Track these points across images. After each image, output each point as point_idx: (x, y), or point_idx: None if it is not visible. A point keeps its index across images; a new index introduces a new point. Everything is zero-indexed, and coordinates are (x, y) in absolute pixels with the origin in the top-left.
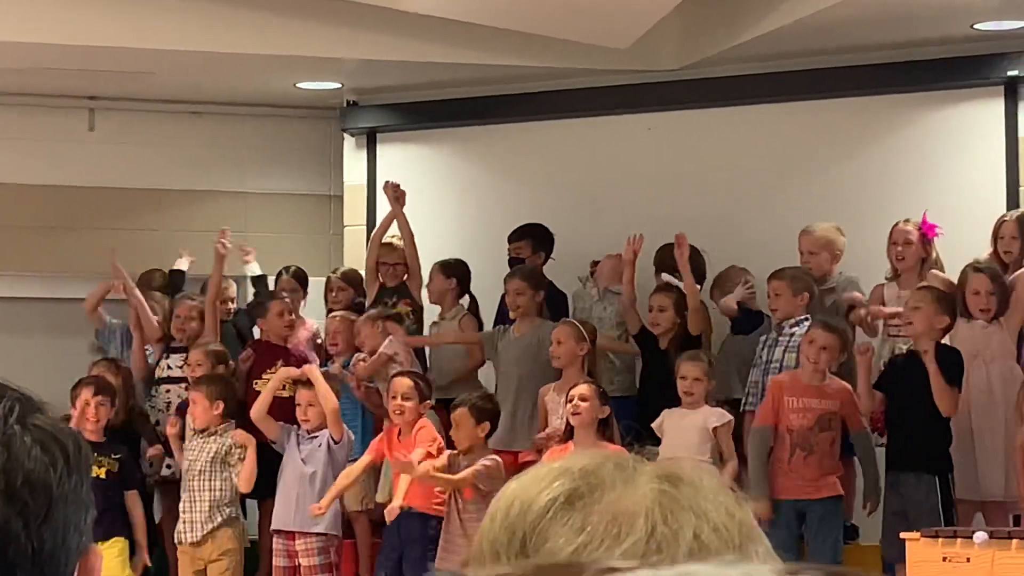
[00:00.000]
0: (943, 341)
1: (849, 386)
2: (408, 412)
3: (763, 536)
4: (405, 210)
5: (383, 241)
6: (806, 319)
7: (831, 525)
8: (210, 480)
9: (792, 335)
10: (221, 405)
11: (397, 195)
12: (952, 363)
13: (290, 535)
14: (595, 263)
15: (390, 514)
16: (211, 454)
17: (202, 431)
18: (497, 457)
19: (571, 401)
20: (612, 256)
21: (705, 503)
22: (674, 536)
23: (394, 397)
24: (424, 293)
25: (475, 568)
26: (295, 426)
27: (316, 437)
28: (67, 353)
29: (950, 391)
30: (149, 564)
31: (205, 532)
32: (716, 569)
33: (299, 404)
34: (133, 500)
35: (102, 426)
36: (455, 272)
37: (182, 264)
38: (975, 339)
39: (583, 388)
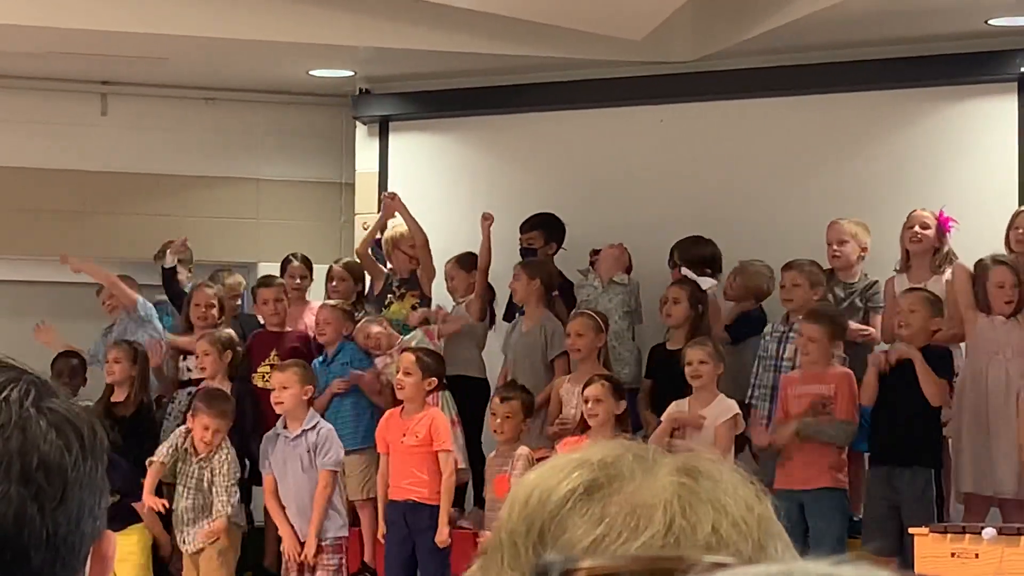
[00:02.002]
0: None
1: (851, 372)
2: (408, 388)
3: (782, 531)
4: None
5: (401, 231)
6: None
7: (830, 517)
8: (206, 499)
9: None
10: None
11: (387, 202)
12: (939, 358)
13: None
14: (595, 252)
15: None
16: (207, 481)
17: (204, 455)
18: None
19: (587, 403)
20: (614, 246)
21: (724, 497)
22: (692, 529)
23: (398, 372)
24: (431, 283)
25: (492, 557)
26: (277, 429)
27: (300, 437)
28: (81, 337)
29: (938, 382)
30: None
31: (198, 549)
32: (826, 567)
33: (273, 388)
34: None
35: None
36: (476, 266)
37: (171, 261)
38: (996, 335)
39: (596, 389)
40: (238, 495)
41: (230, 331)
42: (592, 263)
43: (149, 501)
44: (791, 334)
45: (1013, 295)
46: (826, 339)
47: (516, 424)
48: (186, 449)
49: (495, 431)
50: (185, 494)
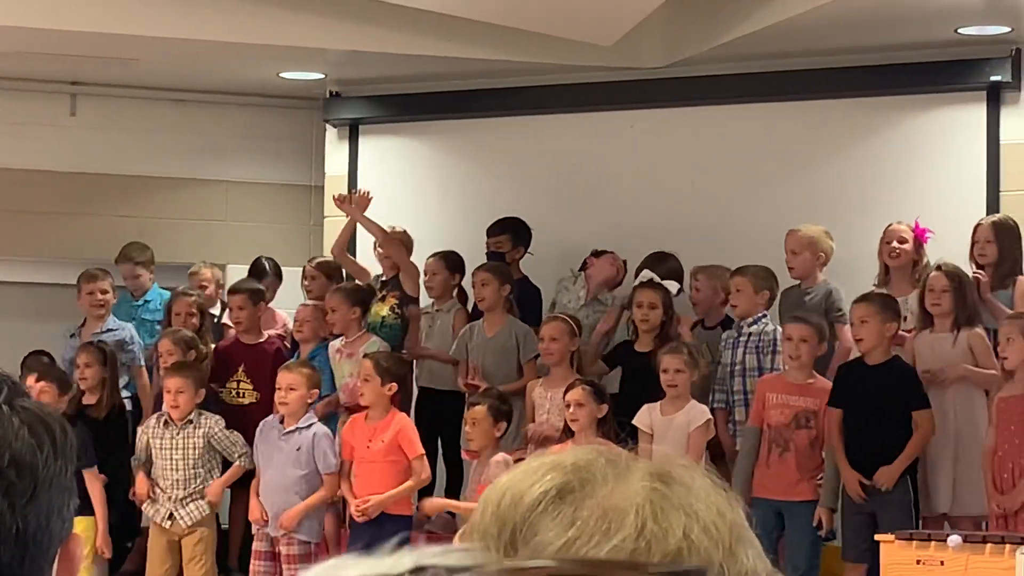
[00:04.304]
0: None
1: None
2: (368, 393)
3: (754, 538)
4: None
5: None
6: (763, 316)
7: (807, 528)
8: (196, 469)
9: (750, 335)
10: (203, 393)
11: (352, 201)
12: (914, 390)
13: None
14: (595, 254)
15: (370, 515)
16: (198, 448)
17: (182, 422)
18: (509, 458)
19: (568, 407)
20: (614, 263)
21: (696, 503)
22: (663, 534)
23: (359, 379)
24: (415, 282)
25: None
26: (273, 421)
27: (292, 433)
28: (46, 338)
29: (922, 433)
30: (107, 555)
31: (193, 521)
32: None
33: (279, 387)
34: (91, 479)
35: None
36: (459, 268)
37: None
38: (936, 354)
39: (578, 393)
40: (244, 444)
41: (191, 332)
42: (584, 267)
43: (140, 488)
44: (740, 338)
45: (940, 299)
46: (815, 339)
47: (485, 430)
48: (165, 421)
49: (469, 439)
50: (172, 466)
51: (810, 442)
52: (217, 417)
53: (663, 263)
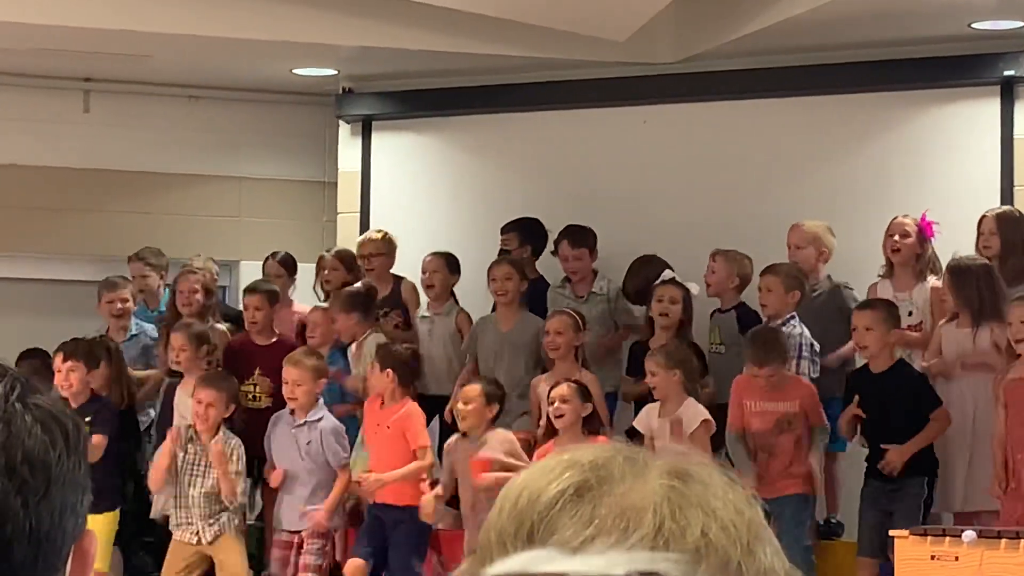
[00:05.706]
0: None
1: (811, 385)
2: (375, 382)
3: (772, 536)
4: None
5: (371, 237)
6: (792, 318)
7: (795, 524)
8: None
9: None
10: (233, 408)
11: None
12: (924, 392)
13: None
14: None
15: (369, 490)
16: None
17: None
18: (512, 436)
19: (552, 404)
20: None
21: (715, 501)
22: (681, 532)
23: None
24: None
25: (481, 557)
26: (283, 414)
27: (303, 426)
28: (60, 334)
29: (938, 425)
30: None
31: (216, 535)
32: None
33: (286, 382)
34: (96, 442)
35: (75, 392)
36: (457, 269)
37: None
38: (959, 348)
39: (563, 389)
40: (247, 483)
41: (203, 326)
42: (568, 278)
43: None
44: None
45: (946, 296)
46: (781, 369)
47: (477, 409)
48: (191, 437)
49: (460, 417)
50: (194, 483)
51: (794, 443)
52: (239, 447)
53: (648, 267)
